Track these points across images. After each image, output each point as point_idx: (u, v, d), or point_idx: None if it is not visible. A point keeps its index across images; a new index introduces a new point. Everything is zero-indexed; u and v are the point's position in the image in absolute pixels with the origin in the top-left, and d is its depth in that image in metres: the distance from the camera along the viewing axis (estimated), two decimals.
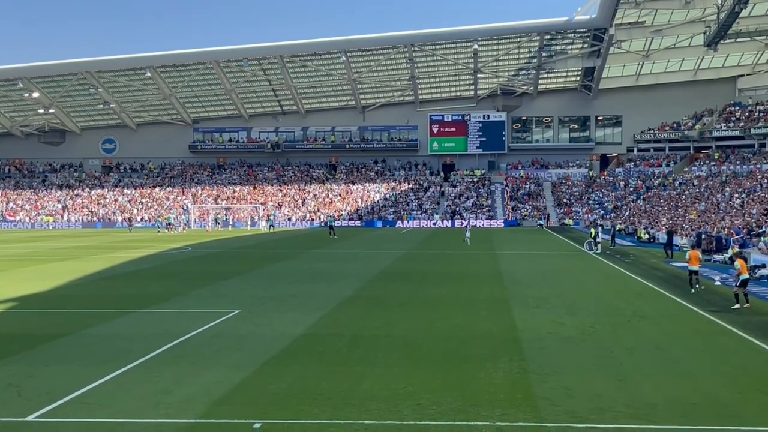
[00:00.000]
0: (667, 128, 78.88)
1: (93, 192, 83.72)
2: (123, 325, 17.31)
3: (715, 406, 10.84)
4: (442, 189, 79.99)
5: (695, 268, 22.62)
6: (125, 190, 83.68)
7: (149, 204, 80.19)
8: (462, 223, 68.10)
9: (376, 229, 67.34)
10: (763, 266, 27.15)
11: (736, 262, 20.11)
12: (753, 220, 40.39)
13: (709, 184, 63.47)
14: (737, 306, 19.08)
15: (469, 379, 12.21)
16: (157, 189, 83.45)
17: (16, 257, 36.94)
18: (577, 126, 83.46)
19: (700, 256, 23.66)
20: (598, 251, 37.89)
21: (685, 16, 63.71)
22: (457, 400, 10.96)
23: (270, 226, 64.17)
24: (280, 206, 77.41)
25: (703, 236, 37.70)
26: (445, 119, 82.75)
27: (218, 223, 70.72)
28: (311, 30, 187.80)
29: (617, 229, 56.75)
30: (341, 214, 74.53)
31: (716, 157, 71.78)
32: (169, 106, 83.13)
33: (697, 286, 22.70)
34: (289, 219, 74.42)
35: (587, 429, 9.74)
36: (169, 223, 65.76)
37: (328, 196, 79.97)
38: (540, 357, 13.78)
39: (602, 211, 70.36)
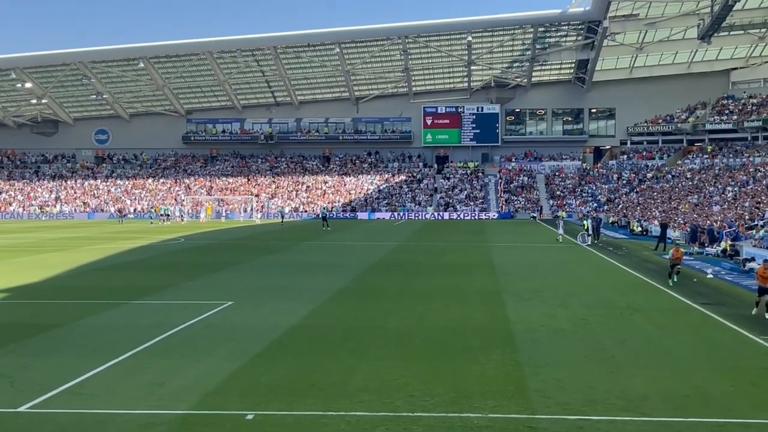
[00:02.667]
0: (661, 121, 78.95)
1: (86, 183, 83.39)
2: (115, 317, 17.27)
3: (707, 398, 10.88)
4: (435, 185, 79.90)
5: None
6: (118, 181, 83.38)
7: (142, 195, 79.94)
8: (552, 215, 66.61)
9: (369, 221, 67.36)
10: (752, 259, 27.24)
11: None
12: (746, 213, 40.52)
13: (702, 177, 63.61)
14: (754, 310, 17.44)
15: (461, 370, 12.22)
16: (150, 180, 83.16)
17: (8, 248, 36.77)
18: (570, 118, 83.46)
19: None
20: (588, 243, 38.15)
21: (678, 9, 63.66)
22: (449, 392, 10.98)
23: (280, 216, 66.40)
24: (273, 197, 77.29)
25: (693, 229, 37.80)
26: (439, 111, 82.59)
27: (206, 216, 70.47)
28: (305, 21, 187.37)
29: (610, 221, 57.03)
30: (334, 206, 74.49)
31: (709, 150, 71.92)
32: (162, 97, 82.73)
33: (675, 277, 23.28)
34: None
35: (579, 421, 9.76)
36: (167, 215, 65.70)
37: (321, 188, 79.85)
38: (532, 349, 13.80)
39: (595, 204, 70.48)
